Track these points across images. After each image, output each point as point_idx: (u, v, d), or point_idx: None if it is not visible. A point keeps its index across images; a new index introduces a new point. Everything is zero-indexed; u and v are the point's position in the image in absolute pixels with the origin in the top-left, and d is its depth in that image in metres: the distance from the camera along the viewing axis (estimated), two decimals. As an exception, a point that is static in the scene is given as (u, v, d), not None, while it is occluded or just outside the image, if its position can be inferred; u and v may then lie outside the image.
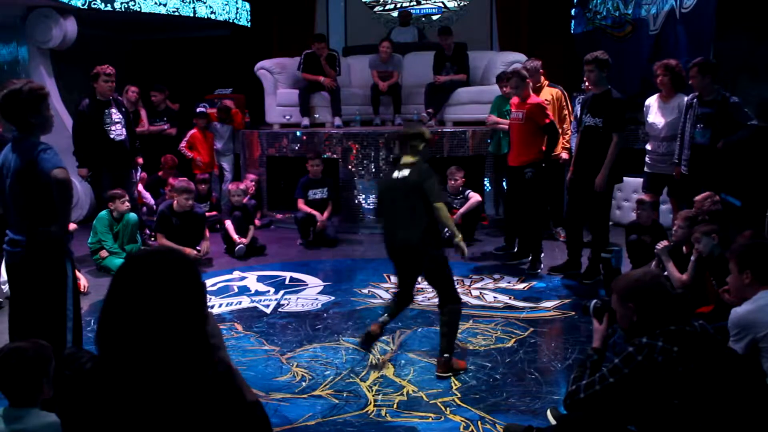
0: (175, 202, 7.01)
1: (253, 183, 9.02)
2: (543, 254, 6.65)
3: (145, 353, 1.69)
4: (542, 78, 7.22)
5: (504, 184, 8.22)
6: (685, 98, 6.32)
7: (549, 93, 7.19)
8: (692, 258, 4.73)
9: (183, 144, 9.27)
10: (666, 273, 5.01)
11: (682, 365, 2.53)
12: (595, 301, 3.05)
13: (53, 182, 3.44)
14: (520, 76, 6.40)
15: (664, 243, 5.12)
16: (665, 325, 2.63)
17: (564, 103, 7.29)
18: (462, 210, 7.68)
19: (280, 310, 5.60)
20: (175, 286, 1.72)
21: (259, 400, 2.00)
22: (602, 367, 2.76)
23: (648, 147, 6.55)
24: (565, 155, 7.27)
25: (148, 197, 8.63)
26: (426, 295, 5.84)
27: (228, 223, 7.46)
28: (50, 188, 3.45)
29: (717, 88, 5.92)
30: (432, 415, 3.75)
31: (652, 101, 6.49)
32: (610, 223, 6.53)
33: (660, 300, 2.69)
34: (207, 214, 8.04)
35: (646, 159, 6.56)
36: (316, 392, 4.04)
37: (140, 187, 8.53)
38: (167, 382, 1.69)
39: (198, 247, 6.97)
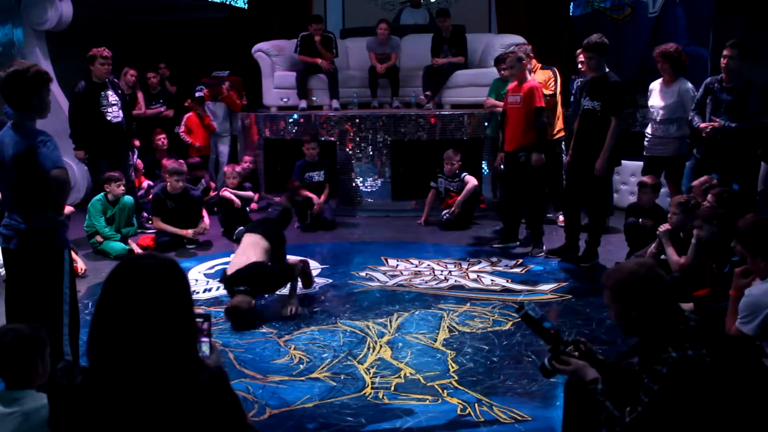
0: (168, 184, 6.99)
1: (249, 165, 8.98)
2: (544, 236, 6.64)
3: (136, 358, 1.77)
4: (534, 61, 7.18)
5: (487, 168, 8.22)
6: (688, 84, 6.30)
7: (541, 75, 7.16)
8: (693, 242, 4.75)
9: (182, 129, 9.25)
10: (663, 256, 5.04)
11: (715, 368, 2.41)
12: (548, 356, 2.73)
13: (51, 181, 3.42)
14: (516, 57, 6.41)
15: (666, 226, 5.13)
16: (668, 321, 2.51)
17: (552, 85, 7.23)
18: (460, 198, 7.69)
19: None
20: (163, 293, 1.81)
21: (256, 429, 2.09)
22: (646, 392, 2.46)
23: (647, 130, 6.55)
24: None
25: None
26: (424, 278, 5.85)
27: (226, 192, 7.58)
28: (47, 180, 3.43)
29: (742, 73, 5.91)
30: (429, 397, 3.76)
31: (656, 85, 6.47)
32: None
33: (660, 293, 2.54)
34: (209, 194, 8.09)
35: (645, 142, 6.55)
36: (314, 375, 4.05)
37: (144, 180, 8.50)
38: (156, 388, 1.77)
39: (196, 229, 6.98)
